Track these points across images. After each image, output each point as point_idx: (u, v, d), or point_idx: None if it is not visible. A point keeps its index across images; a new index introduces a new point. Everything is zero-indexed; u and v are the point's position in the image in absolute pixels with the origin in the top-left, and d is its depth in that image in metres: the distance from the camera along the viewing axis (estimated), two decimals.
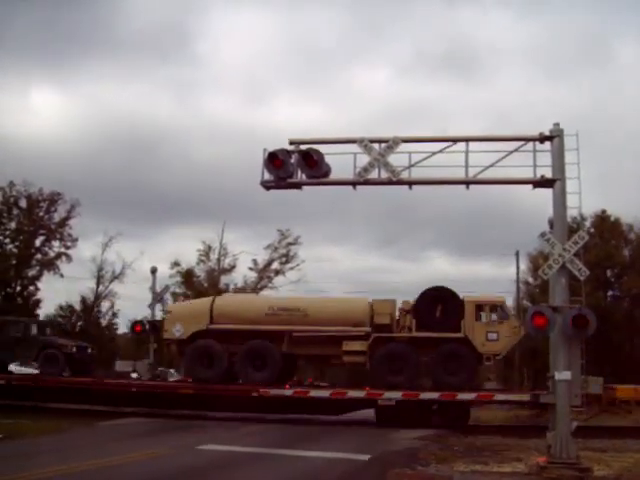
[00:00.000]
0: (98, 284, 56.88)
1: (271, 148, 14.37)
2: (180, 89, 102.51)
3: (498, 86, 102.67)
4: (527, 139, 14.14)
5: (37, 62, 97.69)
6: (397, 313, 24.20)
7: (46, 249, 54.59)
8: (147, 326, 27.76)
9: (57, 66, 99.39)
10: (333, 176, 14.94)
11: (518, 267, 48.52)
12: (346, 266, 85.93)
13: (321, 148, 14.53)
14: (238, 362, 24.23)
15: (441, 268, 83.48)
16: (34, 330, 27.21)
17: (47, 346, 26.22)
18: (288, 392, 22.99)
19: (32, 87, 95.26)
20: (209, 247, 53.07)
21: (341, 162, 14.76)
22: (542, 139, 13.91)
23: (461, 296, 23.84)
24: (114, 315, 59.67)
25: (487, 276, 76.19)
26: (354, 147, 14.44)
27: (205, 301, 26.39)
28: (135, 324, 28.65)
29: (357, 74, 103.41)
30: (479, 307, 23.31)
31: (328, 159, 14.57)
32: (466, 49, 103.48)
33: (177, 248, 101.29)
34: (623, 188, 75.00)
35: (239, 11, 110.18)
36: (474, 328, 22.84)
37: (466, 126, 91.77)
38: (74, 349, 26.64)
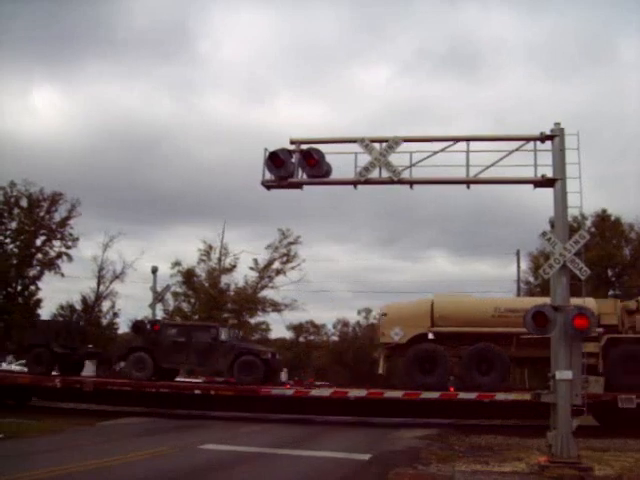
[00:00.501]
0: (99, 284, 56.84)
1: (272, 147, 14.37)
2: (180, 88, 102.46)
3: (501, 85, 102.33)
4: (528, 139, 14.13)
5: (37, 61, 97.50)
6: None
7: (47, 249, 54.50)
8: (148, 326, 27.79)
9: (57, 65, 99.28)
10: (334, 176, 14.94)
11: (519, 266, 48.61)
12: (347, 265, 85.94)
13: (322, 148, 14.53)
14: (461, 366, 23.35)
15: (443, 268, 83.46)
16: (224, 335, 25.58)
17: (244, 353, 24.76)
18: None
19: (33, 86, 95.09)
20: (210, 247, 53.04)
21: (342, 162, 14.77)
22: (543, 138, 13.91)
23: None
24: (115, 315, 59.66)
25: (489, 276, 76.19)
26: (355, 147, 14.44)
27: (423, 302, 24.82)
28: (135, 324, 28.59)
29: (358, 72, 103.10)
30: None
31: (329, 159, 14.57)
32: (469, 47, 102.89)
33: (178, 247, 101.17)
34: (625, 187, 74.70)
35: (239, 10, 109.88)
36: None
37: (469, 124, 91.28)
38: (269, 355, 25.37)
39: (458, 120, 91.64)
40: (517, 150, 14.09)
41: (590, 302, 22.04)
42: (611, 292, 45.02)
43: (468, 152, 14.11)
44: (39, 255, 54.23)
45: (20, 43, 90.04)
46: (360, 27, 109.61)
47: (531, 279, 51.39)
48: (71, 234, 54.59)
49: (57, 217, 54.38)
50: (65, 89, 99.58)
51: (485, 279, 71.02)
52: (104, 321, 58.76)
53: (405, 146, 14.38)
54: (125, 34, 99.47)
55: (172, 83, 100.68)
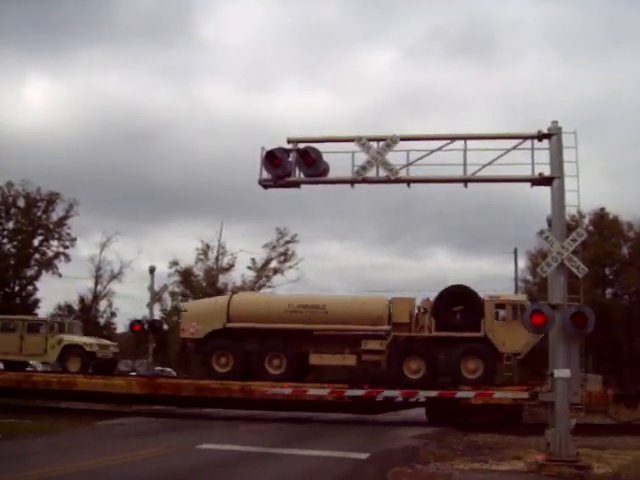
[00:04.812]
0: (96, 283, 56.90)
1: (273, 139, 14.46)
2: (179, 77, 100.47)
3: (514, 71, 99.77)
4: (525, 137, 14.13)
5: (31, 51, 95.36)
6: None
7: (44, 249, 54.59)
8: (146, 325, 27.75)
9: (51, 55, 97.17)
10: (332, 174, 14.93)
11: (516, 265, 48.57)
12: (346, 263, 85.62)
13: (319, 146, 14.53)
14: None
15: (442, 265, 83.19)
16: None
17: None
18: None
19: (26, 77, 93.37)
20: (207, 246, 53.07)
21: (339, 160, 14.75)
22: (540, 137, 13.91)
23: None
24: (112, 314, 59.76)
25: (488, 273, 75.93)
26: (352, 145, 14.42)
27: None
28: (134, 323, 28.64)
29: (363, 57, 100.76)
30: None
31: (326, 157, 14.57)
32: (483, 31, 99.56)
33: (176, 245, 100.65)
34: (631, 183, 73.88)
35: None
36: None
37: (481, 112, 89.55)
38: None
39: (470, 108, 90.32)
40: (514, 149, 14.09)
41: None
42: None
43: (465, 150, 14.12)
44: (37, 255, 54.27)
45: (13, 30, 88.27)
46: (367, 9, 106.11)
47: (530, 277, 51.43)
48: (68, 234, 54.69)
49: (54, 217, 54.43)
50: (58, 78, 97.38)
51: (485, 276, 70.82)
52: (101, 321, 58.82)
53: (402, 144, 14.37)
54: (123, 21, 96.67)
55: (171, 72, 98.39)
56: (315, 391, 23.02)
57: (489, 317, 23.14)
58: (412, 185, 14.67)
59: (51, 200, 53.83)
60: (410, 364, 23.39)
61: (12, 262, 52.62)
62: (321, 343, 24.02)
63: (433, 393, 22.14)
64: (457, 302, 23.41)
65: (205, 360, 25.01)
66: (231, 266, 53.41)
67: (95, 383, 24.55)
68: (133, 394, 24.55)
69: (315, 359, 24.39)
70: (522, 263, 51.73)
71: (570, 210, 15.06)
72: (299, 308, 24.12)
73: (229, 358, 24.37)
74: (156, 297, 38.83)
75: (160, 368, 37.21)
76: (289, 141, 14.67)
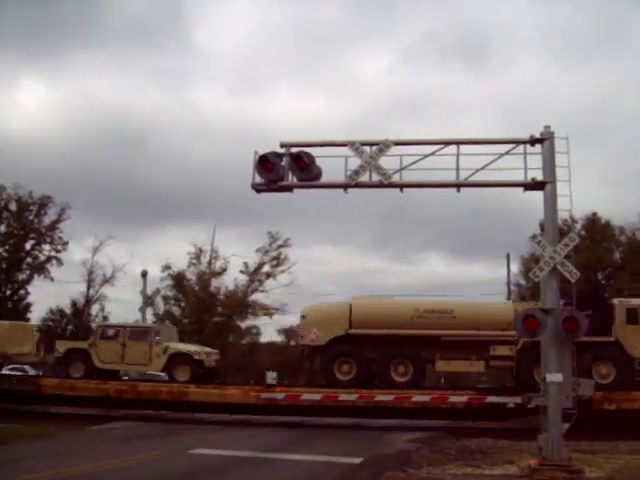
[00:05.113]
0: (89, 287, 56.73)
1: (267, 143, 14.45)
2: (172, 80, 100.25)
3: (510, 75, 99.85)
4: (518, 142, 14.15)
5: (24, 54, 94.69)
6: None
7: (36, 253, 54.49)
8: None
9: (44, 58, 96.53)
10: (325, 179, 14.92)
11: (509, 269, 48.74)
12: (339, 268, 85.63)
13: (312, 151, 14.51)
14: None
15: (436, 270, 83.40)
16: None
17: None
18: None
19: (20, 80, 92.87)
20: (200, 250, 52.93)
21: (333, 165, 14.75)
22: (533, 142, 13.95)
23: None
24: (105, 318, 59.48)
25: (482, 278, 76.14)
26: (345, 150, 14.42)
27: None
28: None
29: (358, 61, 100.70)
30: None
31: (319, 162, 14.55)
32: (477, 35, 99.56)
33: (169, 249, 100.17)
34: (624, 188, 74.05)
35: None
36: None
37: (476, 116, 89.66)
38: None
39: (465, 112, 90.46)
40: (507, 154, 14.12)
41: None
42: None
43: (458, 155, 14.12)
44: (29, 259, 54.12)
45: (7, 33, 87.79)
46: (363, 12, 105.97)
47: (522, 282, 51.56)
48: (60, 237, 54.56)
49: (46, 220, 54.29)
50: (52, 82, 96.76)
51: (478, 281, 71.09)
52: (94, 325, 58.60)
53: (395, 149, 14.37)
54: (115, 23, 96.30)
55: (163, 76, 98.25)
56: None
57: (620, 321, 22.62)
58: (405, 190, 14.66)
59: (43, 204, 53.74)
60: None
61: (4, 266, 52.49)
62: (447, 349, 23.35)
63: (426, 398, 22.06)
64: (586, 306, 22.98)
65: (326, 367, 24.17)
66: (224, 270, 53.27)
67: (209, 393, 23.70)
68: (247, 403, 23.45)
69: (442, 365, 23.73)
70: (515, 267, 51.97)
71: (562, 215, 15.12)
72: (425, 313, 23.43)
73: (352, 365, 23.71)
74: (148, 301, 38.80)
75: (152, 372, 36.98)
76: (282, 145, 14.66)
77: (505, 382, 24.95)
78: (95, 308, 58.84)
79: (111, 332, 26.31)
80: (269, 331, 79.79)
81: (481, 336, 22.97)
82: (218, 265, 53.17)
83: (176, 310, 53.49)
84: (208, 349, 27.82)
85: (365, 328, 23.61)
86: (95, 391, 24.16)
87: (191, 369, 24.89)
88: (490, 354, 23.13)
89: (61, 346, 26.53)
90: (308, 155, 14.32)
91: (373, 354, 23.82)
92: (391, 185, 14.36)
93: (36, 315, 54.52)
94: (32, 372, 33.24)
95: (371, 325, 23.64)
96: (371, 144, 14.36)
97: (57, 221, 54.16)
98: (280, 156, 14.49)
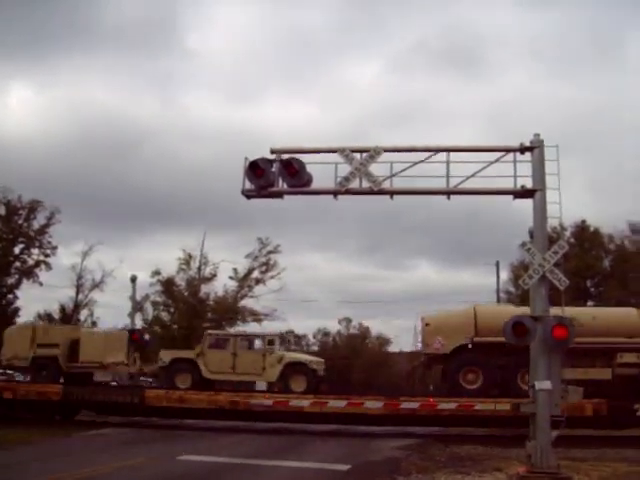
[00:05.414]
0: (77, 292, 56.39)
1: (258, 149, 14.40)
2: (164, 86, 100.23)
3: (499, 83, 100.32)
4: (508, 150, 14.18)
5: (15, 59, 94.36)
6: None
7: (25, 257, 54.08)
8: (146, 336, 27.33)
9: (35, 62, 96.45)
10: (315, 185, 14.90)
11: (498, 277, 48.87)
12: (329, 274, 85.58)
13: (302, 157, 14.50)
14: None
15: (426, 277, 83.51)
16: None
17: None
18: None
19: (10, 85, 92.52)
20: (189, 255, 52.74)
21: (323, 171, 14.74)
22: (522, 150, 13.98)
23: None
24: (94, 324, 59.13)
25: (471, 285, 76.33)
26: (335, 156, 14.40)
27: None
28: (133, 332, 27.92)
29: (349, 69, 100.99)
30: None
31: (309, 168, 14.52)
32: (467, 43, 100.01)
33: (159, 254, 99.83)
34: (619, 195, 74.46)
35: (227, 3, 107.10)
36: None
37: (466, 124, 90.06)
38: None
39: (455, 120, 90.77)
40: (497, 161, 14.14)
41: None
42: None
43: (448, 163, 14.13)
44: (17, 263, 53.74)
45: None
46: (353, 20, 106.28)
47: (512, 289, 51.67)
48: (50, 242, 54.21)
49: (36, 225, 53.95)
50: (42, 85, 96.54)
51: (468, 288, 71.23)
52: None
53: (386, 156, 14.37)
54: (108, 28, 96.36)
55: (155, 81, 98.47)
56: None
57: None
58: (395, 197, 14.65)
59: (32, 208, 53.35)
60: None
61: None
62: (571, 356, 21.87)
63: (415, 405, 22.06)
64: None
65: (452, 377, 23.61)
66: (213, 276, 53.10)
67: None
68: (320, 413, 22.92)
69: (568, 373, 23.53)
70: (505, 275, 52.07)
71: (552, 222, 15.15)
72: None
73: (478, 374, 23.19)
74: (138, 307, 38.60)
75: (143, 378, 36.81)
76: (272, 152, 14.63)
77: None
78: (84, 313, 58.54)
79: (221, 341, 25.80)
80: None
81: (608, 343, 22.60)
82: (208, 271, 53.02)
83: (165, 316, 53.29)
84: (317, 358, 27.21)
85: (491, 335, 22.34)
86: (206, 403, 23.54)
87: (307, 379, 24.40)
88: (617, 361, 22.76)
89: (165, 355, 25.55)
90: (298, 161, 14.30)
91: (502, 362, 22.79)
92: (381, 192, 14.35)
93: (24, 320, 54.11)
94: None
95: (497, 332, 23.18)
96: (361, 151, 14.35)
97: (46, 225, 53.79)
98: (270, 162, 14.46)
